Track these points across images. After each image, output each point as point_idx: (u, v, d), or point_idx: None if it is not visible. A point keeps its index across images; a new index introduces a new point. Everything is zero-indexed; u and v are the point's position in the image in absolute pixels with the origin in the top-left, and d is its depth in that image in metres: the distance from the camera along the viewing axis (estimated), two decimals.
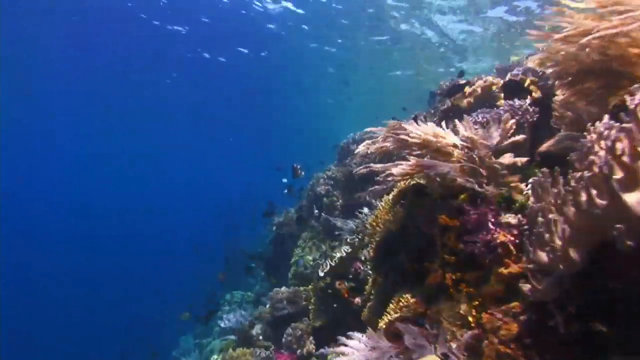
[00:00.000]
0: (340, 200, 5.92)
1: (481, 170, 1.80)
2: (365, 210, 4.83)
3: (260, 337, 4.77)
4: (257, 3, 11.73)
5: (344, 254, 3.90)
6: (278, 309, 4.18)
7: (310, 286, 4.57)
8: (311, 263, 5.46)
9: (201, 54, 15.07)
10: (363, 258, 3.98)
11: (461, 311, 1.60)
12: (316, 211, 6.58)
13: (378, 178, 2.22)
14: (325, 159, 8.71)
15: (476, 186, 1.76)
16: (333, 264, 3.86)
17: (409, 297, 1.92)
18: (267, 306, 4.72)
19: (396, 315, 1.92)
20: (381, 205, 2.68)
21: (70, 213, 31.06)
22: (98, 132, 23.53)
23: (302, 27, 12.97)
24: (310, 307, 4.13)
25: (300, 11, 11.99)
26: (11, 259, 23.85)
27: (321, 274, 3.79)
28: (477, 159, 1.81)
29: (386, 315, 2.01)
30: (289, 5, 11.73)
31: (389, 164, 2.09)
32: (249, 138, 25.82)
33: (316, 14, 11.88)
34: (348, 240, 4.15)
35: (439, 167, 1.84)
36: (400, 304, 1.95)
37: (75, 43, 13.51)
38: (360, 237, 4.06)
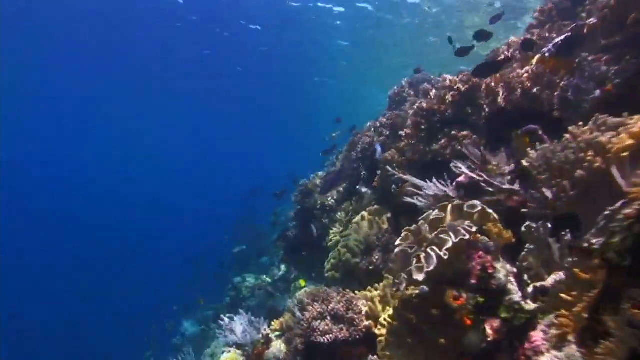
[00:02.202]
0: (409, 154, 3.80)
1: None
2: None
3: None
4: None
5: (455, 240, 1.84)
6: (316, 331, 2.19)
7: (373, 291, 2.53)
8: (360, 247, 3.41)
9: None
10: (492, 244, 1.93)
11: None
12: (363, 173, 4.50)
13: None
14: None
15: None
16: (433, 256, 1.81)
17: None
18: (295, 318, 2.72)
19: None
20: None
21: (79, 205, 29.70)
22: (111, 124, 22.51)
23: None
24: (380, 337, 2.12)
25: None
26: (14, 256, 22.73)
27: (418, 277, 1.74)
28: None
29: None
30: None
31: None
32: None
33: None
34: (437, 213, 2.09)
35: None
36: None
37: (87, 30, 13.06)
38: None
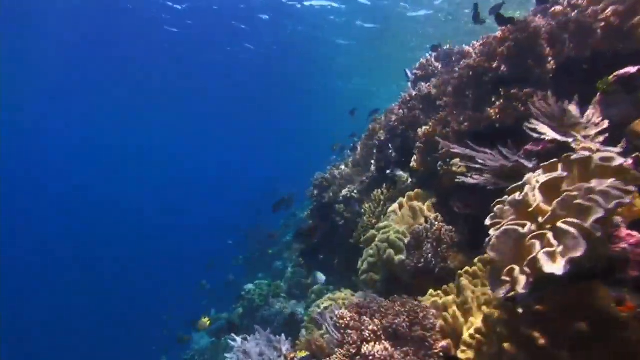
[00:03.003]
0: (454, 125, 3.05)
1: None
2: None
3: None
4: None
5: (609, 206, 1.12)
6: (369, 359, 1.47)
7: (444, 296, 1.80)
8: (405, 240, 2.67)
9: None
10: None
11: None
12: (393, 155, 3.76)
13: None
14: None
15: None
16: (575, 233, 1.09)
17: None
18: (330, 337, 1.98)
19: None
20: None
21: (85, 206, 29.11)
22: (113, 123, 22.13)
23: None
24: None
25: None
26: (15, 258, 22.20)
27: (553, 268, 1.02)
28: None
29: None
30: None
31: None
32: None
33: None
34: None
35: None
36: None
37: (85, 28, 12.83)
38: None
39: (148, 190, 31.25)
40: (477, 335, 1.47)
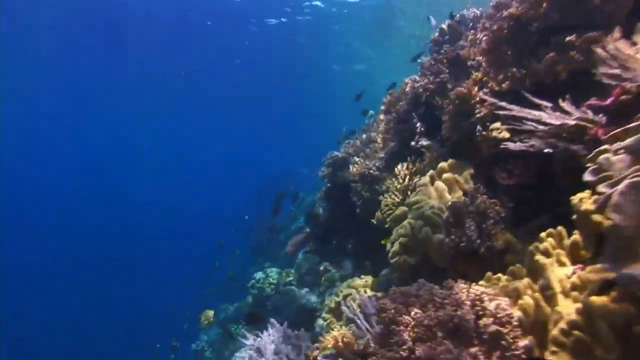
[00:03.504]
0: (492, 84, 2.61)
1: None
2: None
3: None
4: None
5: None
6: None
7: (515, 281, 1.40)
8: (443, 216, 2.27)
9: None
10: None
11: None
12: (418, 125, 3.34)
13: None
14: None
15: None
16: None
17: None
18: (361, 331, 1.61)
19: None
20: None
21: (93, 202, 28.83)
22: (119, 124, 22.08)
23: None
24: None
25: None
26: (17, 259, 22.06)
27: None
28: None
29: None
30: None
31: None
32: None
33: None
34: None
35: None
36: None
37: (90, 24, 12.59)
38: None
39: (151, 184, 30.90)
40: (574, 331, 1.09)
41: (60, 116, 20.38)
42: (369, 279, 3.52)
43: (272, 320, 2.25)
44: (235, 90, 18.77)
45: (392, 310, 1.32)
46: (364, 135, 4.66)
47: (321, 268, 6.33)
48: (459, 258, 2.30)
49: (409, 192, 2.87)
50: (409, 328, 1.24)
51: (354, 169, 4.00)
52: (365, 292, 3.30)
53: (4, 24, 11.26)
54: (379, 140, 4.43)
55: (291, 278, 6.15)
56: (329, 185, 4.63)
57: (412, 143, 3.28)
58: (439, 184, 2.51)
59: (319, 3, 12.08)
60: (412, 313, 1.28)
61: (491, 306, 1.22)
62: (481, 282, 1.54)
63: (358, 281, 3.53)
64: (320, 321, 4.42)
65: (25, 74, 14.74)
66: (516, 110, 2.09)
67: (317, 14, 12.73)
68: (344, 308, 1.87)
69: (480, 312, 1.24)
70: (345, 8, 12.16)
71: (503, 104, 2.10)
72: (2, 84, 14.24)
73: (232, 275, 8.30)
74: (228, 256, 9.15)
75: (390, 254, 2.34)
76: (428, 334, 1.21)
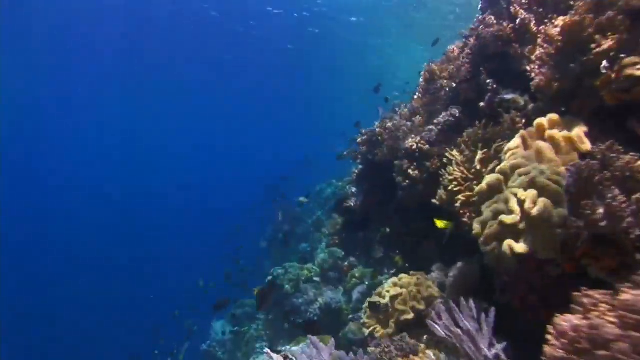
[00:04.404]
0: (620, 3, 1.90)
1: None
2: None
3: None
4: None
5: None
6: None
7: None
8: (560, 185, 1.57)
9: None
10: None
11: None
12: (488, 81, 2.63)
13: None
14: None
15: None
16: None
17: None
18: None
19: None
20: None
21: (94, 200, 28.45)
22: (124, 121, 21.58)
23: None
24: None
25: None
26: (19, 260, 21.77)
27: None
28: None
29: None
30: None
31: None
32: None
33: None
34: None
35: None
36: None
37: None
38: None
39: (158, 183, 30.42)
40: None
41: (66, 116, 20.11)
42: (421, 275, 2.83)
43: (313, 339, 1.58)
44: (249, 84, 18.29)
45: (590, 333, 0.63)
46: (405, 109, 3.96)
47: (346, 263, 5.67)
48: (583, 245, 1.60)
49: (484, 163, 2.18)
50: None
51: (396, 145, 3.31)
52: (423, 292, 2.62)
53: (4, 24, 10.94)
54: (421, 112, 3.74)
55: (313, 274, 5.48)
56: (362, 166, 3.96)
57: (482, 104, 2.58)
58: (540, 144, 1.81)
59: None
60: None
61: None
62: None
63: (407, 278, 2.84)
64: (352, 326, 3.74)
65: (25, 74, 14.46)
66: None
67: (331, 5, 12.09)
68: (432, 325, 1.19)
69: None
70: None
71: None
72: (2, 84, 13.90)
73: (243, 268, 7.73)
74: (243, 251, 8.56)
75: (482, 240, 1.65)
76: None
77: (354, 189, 4.24)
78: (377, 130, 3.81)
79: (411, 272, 2.91)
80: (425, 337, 2.61)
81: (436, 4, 11.11)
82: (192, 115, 24.21)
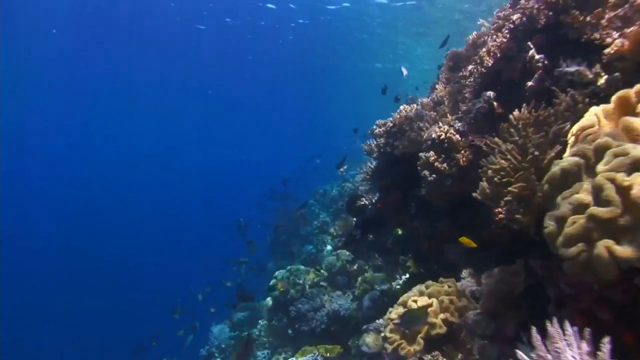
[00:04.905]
0: None
1: None
2: None
3: None
4: None
5: None
6: None
7: None
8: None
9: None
10: None
11: None
12: (537, 57, 2.25)
13: None
14: None
15: None
16: None
17: None
18: None
19: None
20: None
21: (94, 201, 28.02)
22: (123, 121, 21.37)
23: None
24: None
25: None
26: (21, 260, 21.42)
27: None
28: None
29: None
30: None
31: None
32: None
33: None
34: None
35: None
36: None
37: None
38: None
39: (161, 184, 30.04)
40: None
41: (66, 115, 19.85)
42: (452, 283, 2.44)
43: None
44: (254, 87, 18.04)
45: None
46: (427, 99, 3.58)
47: (355, 266, 5.28)
48: None
49: (541, 148, 1.79)
50: None
51: (432, 134, 2.91)
52: (456, 302, 2.23)
53: (4, 23, 10.73)
54: (446, 102, 3.36)
55: (320, 278, 5.08)
56: (380, 160, 3.57)
57: (530, 83, 2.19)
58: (631, 119, 1.41)
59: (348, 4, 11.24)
60: None
61: None
62: None
63: (436, 286, 2.45)
64: (367, 338, 3.33)
65: (25, 74, 14.21)
66: None
67: (342, 12, 11.81)
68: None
69: None
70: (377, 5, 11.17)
71: None
72: (2, 84, 13.64)
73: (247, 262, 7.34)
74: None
75: (560, 241, 1.25)
76: None
77: (366, 187, 3.84)
78: (397, 119, 3.42)
79: (440, 279, 2.51)
80: (459, 356, 2.22)
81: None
82: (192, 115, 23.88)
